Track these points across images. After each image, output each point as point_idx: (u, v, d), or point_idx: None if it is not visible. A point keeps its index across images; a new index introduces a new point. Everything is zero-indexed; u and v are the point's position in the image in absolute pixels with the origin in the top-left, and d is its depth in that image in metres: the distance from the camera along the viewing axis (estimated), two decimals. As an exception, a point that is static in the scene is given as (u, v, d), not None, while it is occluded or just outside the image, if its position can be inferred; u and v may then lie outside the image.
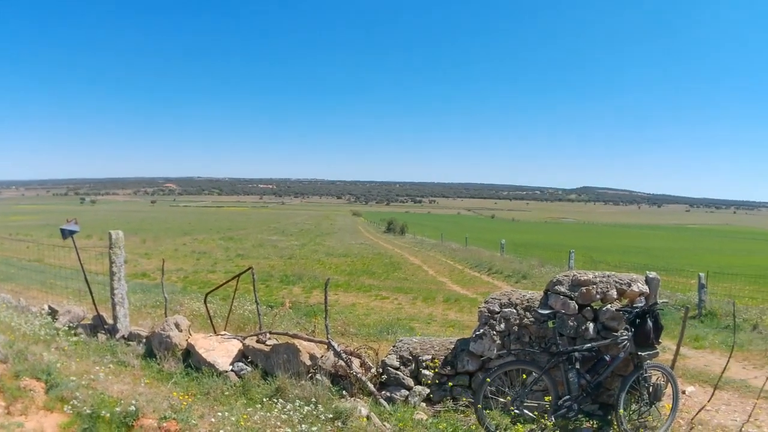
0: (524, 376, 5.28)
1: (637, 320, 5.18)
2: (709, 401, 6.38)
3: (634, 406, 5.35)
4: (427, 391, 5.76)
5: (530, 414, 5.10)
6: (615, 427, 5.14)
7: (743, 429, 5.86)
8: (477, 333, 5.78)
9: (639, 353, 5.17)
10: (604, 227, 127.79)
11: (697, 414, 6.08)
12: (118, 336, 7.41)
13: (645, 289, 5.58)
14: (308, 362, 5.91)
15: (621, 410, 4.99)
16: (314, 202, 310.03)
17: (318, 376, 5.72)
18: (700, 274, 13.56)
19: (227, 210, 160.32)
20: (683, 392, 7.24)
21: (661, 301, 5.57)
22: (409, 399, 5.67)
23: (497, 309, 5.76)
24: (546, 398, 5.18)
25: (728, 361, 6.50)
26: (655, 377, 5.51)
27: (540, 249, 32.21)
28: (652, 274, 5.78)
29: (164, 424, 4.46)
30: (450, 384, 5.77)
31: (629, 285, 5.49)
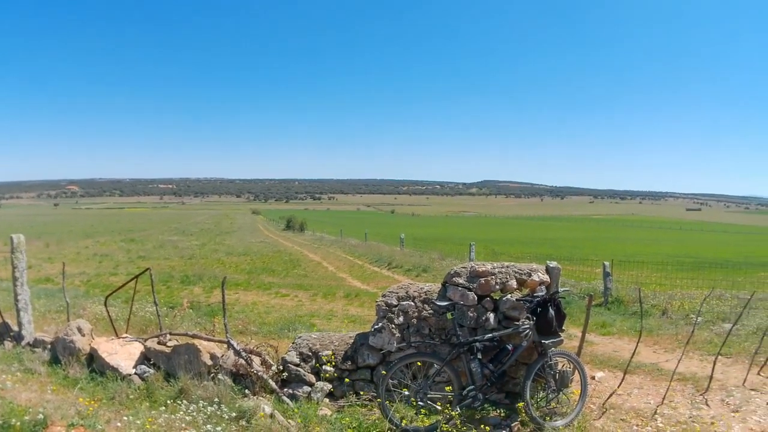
0: (426, 368, 6.35)
1: (539, 309, 6.45)
2: (619, 385, 7.84)
3: (541, 394, 6.62)
4: (330, 386, 6.95)
5: (435, 405, 6.22)
6: (523, 415, 6.22)
7: (658, 410, 7.29)
8: (376, 327, 6.98)
9: (542, 341, 6.42)
10: (507, 220, 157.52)
11: (608, 398, 7.46)
12: (23, 343, 8.72)
13: (545, 278, 6.95)
14: (209, 362, 7.03)
15: (527, 398, 6.15)
16: (214, 201, 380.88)
17: (220, 376, 6.81)
18: (605, 262, 16.79)
19: (128, 211, 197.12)
20: (593, 378, 8.80)
21: (562, 289, 6.91)
22: (312, 395, 6.77)
23: (395, 302, 7.02)
24: (447, 388, 6.27)
25: (636, 345, 8.07)
26: (561, 364, 6.83)
27: (441, 243, 40.96)
28: (553, 264, 7.14)
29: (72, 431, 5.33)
30: (352, 379, 6.98)
31: (529, 275, 6.85)
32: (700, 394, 8.12)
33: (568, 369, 6.87)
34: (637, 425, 6.82)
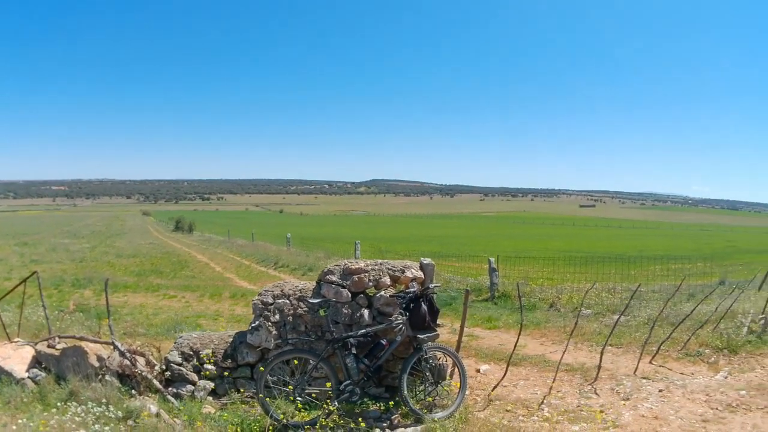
0: (304, 364, 7.03)
1: (411, 304, 7.21)
2: (503, 377, 8.50)
3: (420, 387, 7.31)
4: (212, 384, 7.59)
5: (313, 400, 6.87)
6: (402, 408, 6.88)
7: (545, 400, 7.97)
8: (253, 325, 7.67)
9: (417, 336, 7.15)
10: (396, 218, 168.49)
11: (493, 390, 8.13)
12: None
13: (419, 274, 7.78)
14: (96, 363, 7.53)
15: (405, 391, 6.81)
16: (105, 203, 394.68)
17: (107, 377, 7.34)
18: (490, 258, 18.20)
19: (22, 214, 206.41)
20: (478, 371, 9.57)
21: (433, 285, 7.65)
22: (196, 394, 7.42)
23: (271, 300, 7.74)
24: (327, 384, 6.87)
25: (518, 338, 8.86)
26: (438, 358, 7.59)
27: (328, 242, 44.48)
28: (427, 260, 7.97)
29: (-33, 438, 5.67)
30: (233, 376, 7.68)
31: (403, 271, 7.66)
32: (589, 384, 8.86)
33: (443, 362, 7.63)
34: (523, 415, 7.42)
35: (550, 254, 29.98)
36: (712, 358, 10.38)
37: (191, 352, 7.81)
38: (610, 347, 11.11)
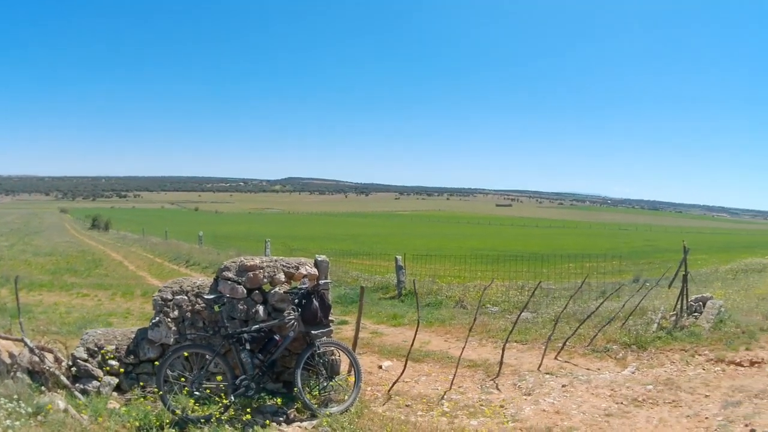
0: (202, 360, 7.31)
1: (304, 300, 7.66)
2: (402, 373, 8.74)
3: (313, 382, 7.68)
4: (116, 380, 7.83)
5: (211, 395, 7.13)
6: (299, 402, 7.20)
7: (446, 396, 8.27)
8: (154, 321, 8.01)
9: (310, 332, 7.62)
10: (311, 217, 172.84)
11: (393, 385, 8.38)
12: None
13: (313, 271, 8.21)
14: (8, 360, 7.61)
15: (299, 386, 7.18)
16: (24, 200, 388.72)
17: (18, 374, 7.47)
18: (397, 256, 18.86)
19: None
20: (380, 367, 9.91)
21: (323, 281, 8.15)
22: (101, 389, 7.64)
23: (170, 297, 8.07)
24: (218, 378, 7.17)
25: (415, 334, 9.09)
26: (332, 353, 8.06)
27: (241, 240, 46.58)
28: (321, 257, 8.47)
29: None
30: (136, 372, 7.96)
31: (297, 268, 8.16)
32: (491, 379, 9.22)
33: (337, 357, 8.14)
34: (422, 410, 7.68)
35: (464, 253, 30.90)
36: (620, 354, 10.83)
37: (96, 349, 7.99)
38: (515, 344, 11.63)
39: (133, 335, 8.19)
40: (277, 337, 7.51)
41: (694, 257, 37.43)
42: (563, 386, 8.88)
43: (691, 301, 12.97)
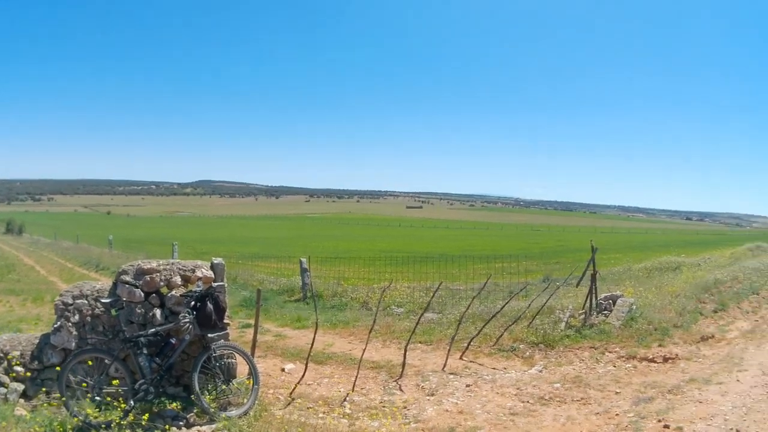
0: (102, 364, 7.42)
1: (199, 303, 7.77)
2: (303, 375, 8.91)
3: (214, 386, 7.70)
4: (22, 387, 7.79)
5: (112, 400, 7.21)
6: (199, 407, 7.25)
7: (348, 397, 8.38)
8: (55, 326, 7.98)
9: (207, 335, 7.77)
10: (221, 220, 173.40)
11: (294, 388, 8.50)
12: None
13: (209, 274, 8.29)
14: None
15: (197, 390, 7.29)
16: None
17: None
18: (302, 258, 19.04)
19: None
20: (283, 370, 10.03)
21: (217, 284, 8.22)
22: (8, 396, 7.63)
23: (71, 301, 8.04)
24: (114, 382, 7.30)
25: (314, 337, 9.35)
26: (229, 357, 8.13)
27: (152, 244, 47.91)
28: (217, 260, 8.53)
29: None
30: (41, 378, 7.88)
31: (193, 271, 8.23)
32: (394, 380, 9.37)
33: (234, 361, 8.23)
34: (324, 412, 7.79)
35: (372, 255, 31.31)
36: (527, 353, 11.15)
37: (2, 355, 7.95)
38: (420, 344, 11.84)
39: (38, 340, 8.18)
40: (173, 341, 7.58)
41: (607, 256, 38.65)
42: (467, 386, 9.07)
43: (600, 299, 13.38)
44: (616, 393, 8.72)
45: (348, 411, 7.80)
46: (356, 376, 9.00)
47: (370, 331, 10.11)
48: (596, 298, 13.16)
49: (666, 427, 7.09)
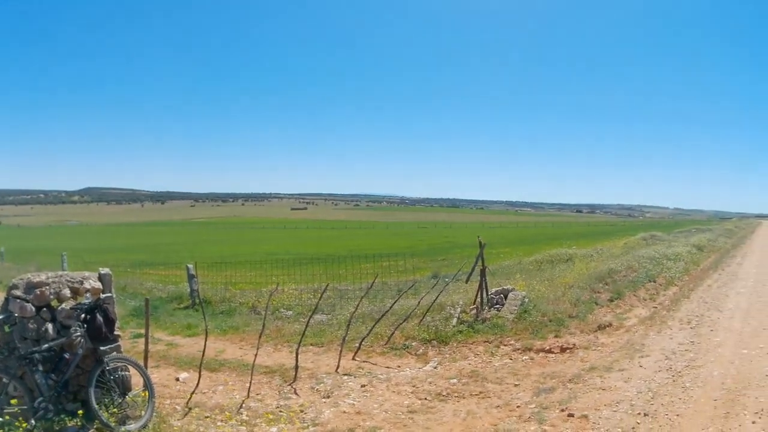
0: None
1: (89, 316, 7.58)
2: (198, 384, 8.65)
3: (111, 400, 7.45)
4: None
5: (13, 420, 6.91)
6: (97, 422, 7.00)
7: (244, 404, 8.25)
8: None
9: (99, 347, 7.56)
10: (109, 227, 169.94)
11: (190, 398, 8.27)
12: None
13: (98, 285, 8.09)
14: None
15: (94, 405, 7.09)
16: None
17: None
18: (188, 265, 18.72)
19: None
20: (177, 379, 9.80)
21: (104, 295, 8.00)
22: None
23: None
24: (13, 401, 7.00)
25: (205, 344, 9.21)
26: (123, 369, 7.88)
27: (43, 254, 46.28)
28: (104, 270, 8.34)
29: None
30: None
31: (81, 283, 7.96)
32: (289, 384, 9.28)
33: (128, 373, 8.01)
34: (222, 420, 7.65)
35: (259, 258, 30.98)
36: (420, 350, 11.22)
37: None
38: (312, 347, 11.75)
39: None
40: (67, 356, 7.40)
41: (496, 251, 39.58)
42: (363, 386, 9.04)
43: (491, 294, 13.58)
44: (515, 385, 8.85)
45: (245, 418, 7.69)
46: (250, 382, 8.89)
47: (260, 336, 9.96)
48: (487, 292, 13.34)
49: (570, 415, 7.20)
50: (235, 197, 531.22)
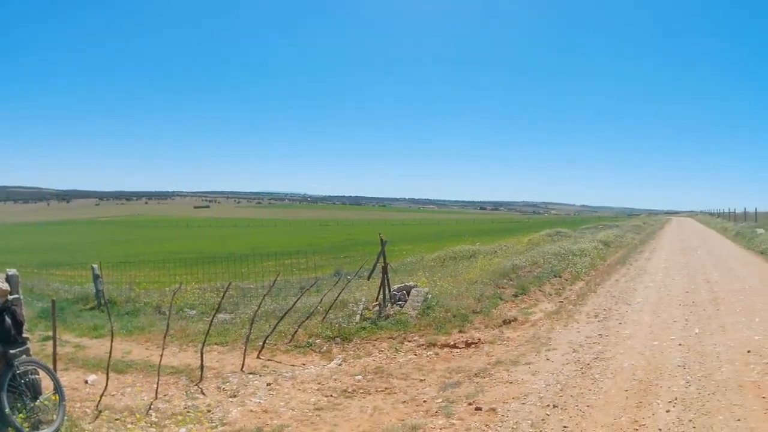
0: None
1: None
2: (106, 387, 8.57)
3: (23, 404, 7.31)
4: None
5: None
6: (12, 428, 6.80)
7: (153, 405, 8.24)
8: None
9: (8, 351, 7.35)
10: (14, 227, 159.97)
11: (100, 400, 8.22)
12: None
13: (5, 286, 7.83)
14: None
15: (7, 410, 6.85)
16: None
17: None
18: (93, 265, 18.49)
19: None
20: (86, 382, 9.72)
21: (12, 297, 7.80)
22: None
23: None
24: None
25: (111, 346, 9.14)
26: (32, 372, 7.74)
27: None
28: (12, 271, 8.09)
29: None
30: None
31: None
32: (195, 384, 9.32)
33: (37, 377, 7.82)
34: (131, 422, 7.60)
35: (162, 257, 30.53)
36: (324, 348, 11.36)
37: None
38: (216, 346, 11.78)
39: None
40: None
41: (399, 248, 39.96)
42: (268, 385, 9.15)
43: (394, 290, 13.80)
44: (421, 380, 9.07)
45: (154, 419, 7.66)
46: (157, 383, 8.84)
47: (165, 336, 9.89)
48: (389, 289, 13.57)
49: (478, 409, 7.41)
50: (138, 195, 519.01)
